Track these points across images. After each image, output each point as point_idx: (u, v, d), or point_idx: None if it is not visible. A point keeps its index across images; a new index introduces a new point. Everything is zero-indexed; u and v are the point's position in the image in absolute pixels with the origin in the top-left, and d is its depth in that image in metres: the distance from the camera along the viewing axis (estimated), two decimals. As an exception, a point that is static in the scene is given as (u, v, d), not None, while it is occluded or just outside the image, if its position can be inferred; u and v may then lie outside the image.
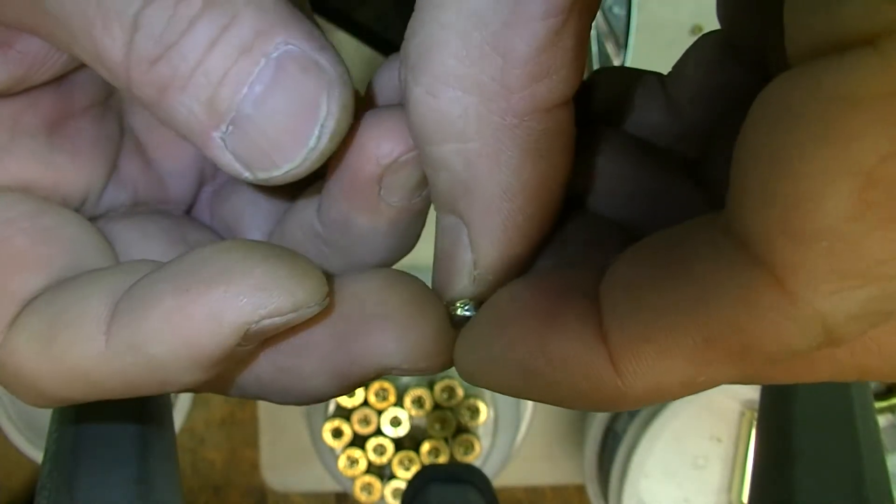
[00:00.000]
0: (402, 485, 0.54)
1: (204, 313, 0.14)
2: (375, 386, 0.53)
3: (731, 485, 0.55)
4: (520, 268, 0.16)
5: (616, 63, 0.47)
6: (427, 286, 0.17)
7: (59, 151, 0.17)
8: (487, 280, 0.16)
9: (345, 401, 0.53)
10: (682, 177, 0.18)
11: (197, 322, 0.14)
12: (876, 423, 0.30)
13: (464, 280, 0.16)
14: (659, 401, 0.13)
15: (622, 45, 0.47)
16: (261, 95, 0.14)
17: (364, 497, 0.54)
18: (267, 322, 0.14)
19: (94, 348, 0.14)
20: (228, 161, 0.15)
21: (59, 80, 0.17)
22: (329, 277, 0.15)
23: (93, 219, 0.18)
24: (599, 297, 0.13)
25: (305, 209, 0.18)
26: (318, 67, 0.14)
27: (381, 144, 0.16)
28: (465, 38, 0.13)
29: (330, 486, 0.62)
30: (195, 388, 0.16)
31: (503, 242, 0.15)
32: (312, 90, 0.14)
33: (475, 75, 0.14)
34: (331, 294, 0.15)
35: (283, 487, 0.64)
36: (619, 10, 0.46)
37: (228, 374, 0.16)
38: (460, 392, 0.53)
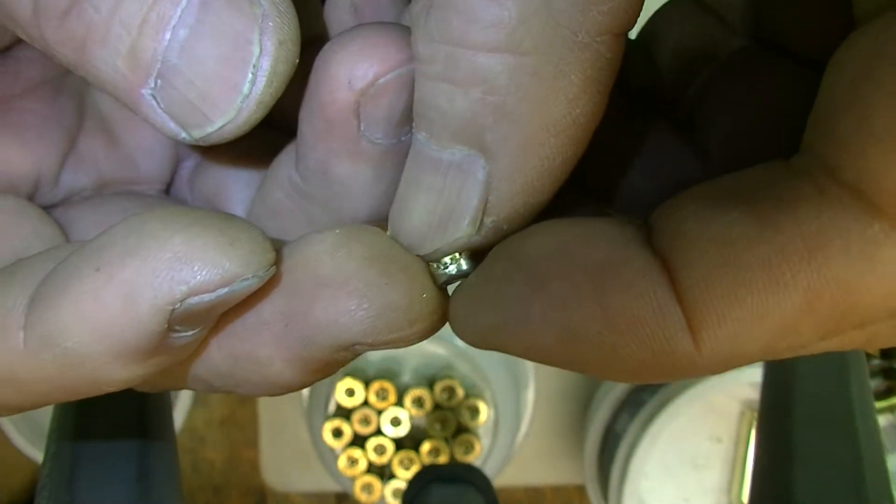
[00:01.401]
0: (402, 485, 0.54)
1: (116, 296, 0.12)
2: (375, 386, 0.53)
3: (731, 485, 0.55)
4: (533, 219, 0.14)
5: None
6: (394, 242, 0.14)
7: (4, 133, 0.16)
8: (501, 229, 0.13)
9: (345, 401, 0.53)
10: (669, 133, 0.17)
11: (109, 307, 0.12)
12: (876, 423, 0.30)
13: (464, 227, 0.13)
14: (725, 370, 0.12)
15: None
16: (186, 40, 0.12)
17: (364, 497, 0.54)
18: (194, 301, 0.12)
19: (13, 347, 0.12)
20: (163, 121, 0.13)
21: (2, 56, 0.16)
22: (280, 244, 0.13)
23: (51, 206, 0.17)
24: (662, 251, 0.12)
25: (284, 165, 0.16)
26: (249, 0, 0.12)
27: (353, 65, 0.13)
28: None
29: (330, 486, 0.62)
30: (140, 385, 0.14)
31: (536, 186, 0.13)
32: (242, 26, 0.12)
33: None
34: (278, 261, 0.13)
35: (283, 487, 0.64)
36: None
37: (179, 367, 0.14)
38: (460, 392, 0.53)
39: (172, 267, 0.11)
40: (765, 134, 0.15)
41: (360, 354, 0.14)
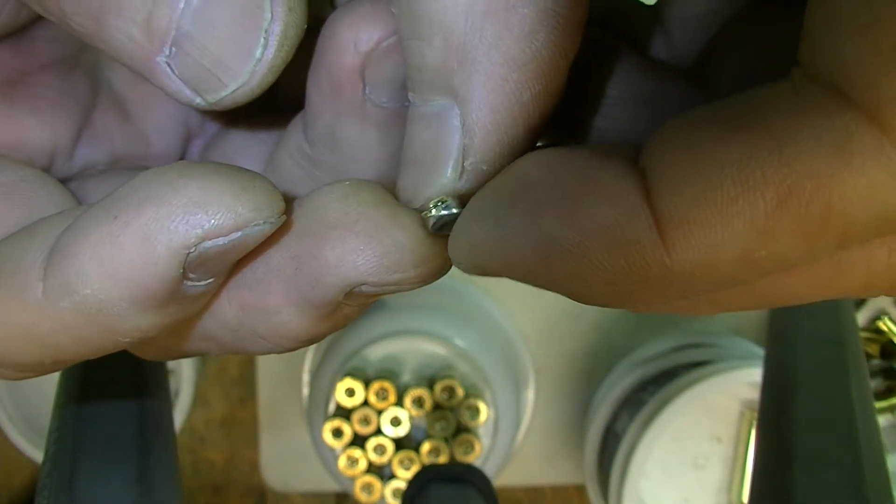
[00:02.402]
0: (402, 485, 0.54)
1: (134, 240, 0.12)
2: (375, 386, 0.53)
3: (731, 485, 0.55)
4: (513, 159, 0.14)
5: None
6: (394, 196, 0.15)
7: (20, 107, 0.16)
8: (481, 170, 0.14)
9: (345, 401, 0.53)
10: (681, 82, 0.17)
11: (127, 252, 0.12)
12: (876, 423, 0.30)
13: (447, 173, 0.14)
14: (706, 286, 0.11)
15: None
16: (199, 7, 0.13)
17: (364, 497, 0.54)
18: (209, 245, 0.12)
19: (32, 298, 0.13)
20: (178, 88, 0.14)
21: (17, 35, 0.16)
22: (290, 196, 0.14)
23: (67, 179, 0.17)
24: (641, 160, 0.11)
25: (293, 135, 0.17)
26: None
27: (358, 29, 0.14)
28: None
29: (330, 486, 0.62)
30: (151, 346, 0.14)
31: (506, 123, 0.13)
32: None
33: None
34: (288, 212, 0.13)
35: (283, 487, 0.64)
36: None
37: (188, 323, 0.14)
38: (460, 392, 0.53)
39: (188, 211, 0.12)
40: (775, 69, 0.15)
41: (363, 305, 0.14)
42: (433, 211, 0.14)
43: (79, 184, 0.17)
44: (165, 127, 0.18)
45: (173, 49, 0.13)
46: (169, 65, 0.13)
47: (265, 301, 0.14)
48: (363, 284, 0.13)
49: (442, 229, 0.14)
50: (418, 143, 0.14)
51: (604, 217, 0.11)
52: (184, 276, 0.12)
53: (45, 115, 0.16)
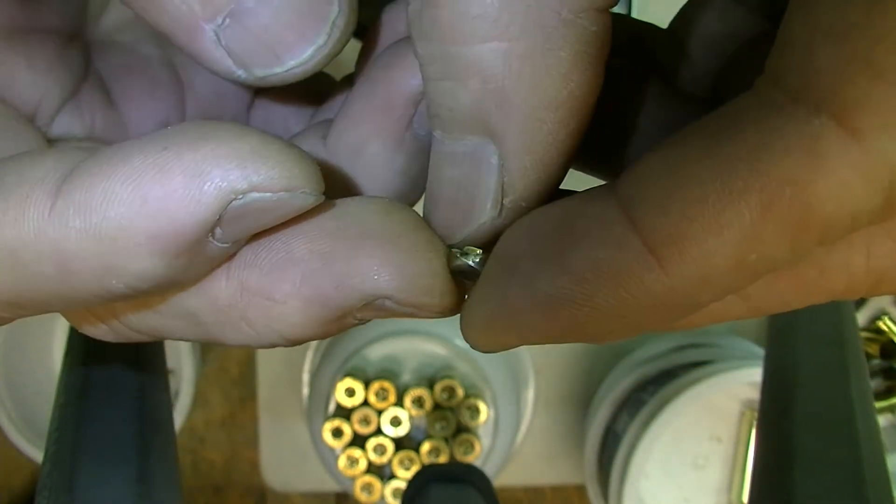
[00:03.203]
0: (402, 485, 0.54)
1: (182, 172, 0.11)
2: (375, 386, 0.53)
3: (731, 485, 0.55)
4: (551, 194, 0.14)
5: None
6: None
7: (17, 56, 0.16)
8: (520, 207, 0.14)
9: (345, 401, 0.53)
10: (705, 109, 0.17)
11: (173, 182, 0.11)
12: (876, 423, 0.30)
13: (487, 211, 0.14)
14: (707, 297, 0.11)
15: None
16: None
17: (364, 497, 0.54)
18: (255, 197, 0.12)
19: (34, 214, 0.12)
20: (219, 57, 0.14)
21: None
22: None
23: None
24: (620, 191, 0.12)
25: (307, 138, 0.17)
26: None
27: None
28: None
29: (330, 486, 0.62)
30: (142, 292, 0.13)
31: (544, 161, 0.13)
32: None
33: None
34: (327, 200, 0.13)
35: (283, 487, 0.64)
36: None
37: (168, 299, 0.14)
38: (460, 392, 0.53)
39: (247, 157, 0.12)
40: None
41: (365, 321, 0.14)
42: (462, 258, 0.14)
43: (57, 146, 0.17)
44: (145, 122, 0.18)
45: (227, 20, 0.13)
46: (217, 34, 0.13)
47: (274, 287, 0.13)
48: (387, 299, 0.13)
49: (459, 275, 0.14)
50: (449, 181, 0.14)
51: (595, 258, 0.11)
52: (217, 224, 0.12)
53: (39, 71, 0.16)
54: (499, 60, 0.12)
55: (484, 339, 0.13)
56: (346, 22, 0.14)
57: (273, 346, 0.14)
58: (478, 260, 0.14)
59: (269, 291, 0.13)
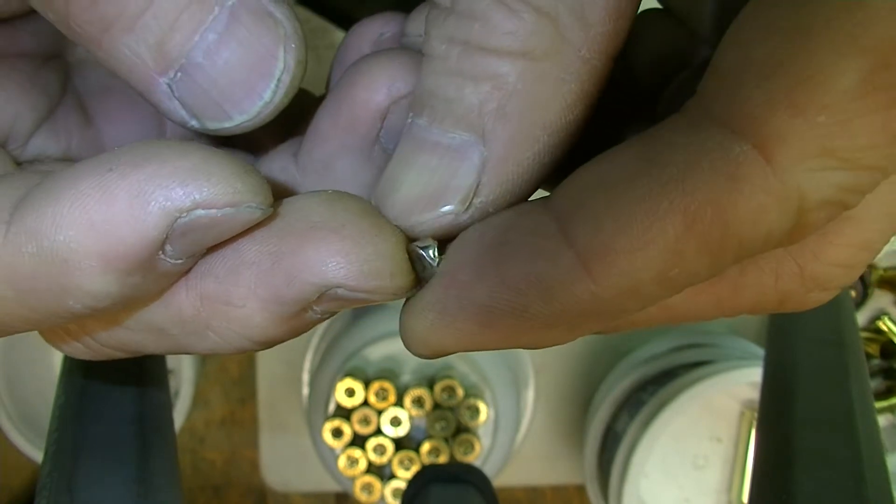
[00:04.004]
0: (402, 485, 0.54)
1: (127, 194, 0.12)
2: (375, 386, 0.53)
3: (731, 485, 0.55)
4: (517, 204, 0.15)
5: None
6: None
7: None
8: (486, 210, 0.14)
9: (345, 401, 0.53)
10: (639, 124, 0.18)
11: (118, 204, 0.12)
12: (876, 423, 0.30)
13: (455, 204, 0.14)
14: (632, 306, 0.12)
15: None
16: (214, 44, 0.14)
17: (364, 497, 0.54)
18: (200, 214, 0.12)
19: None
20: (174, 108, 0.14)
21: (2, 21, 0.16)
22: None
23: (16, 163, 0.17)
24: (552, 205, 0.13)
25: (278, 156, 0.17)
26: (274, 20, 0.14)
27: (394, 75, 0.15)
28: None
29: (330, 486, 0.62)
30: (104, 311, 0.13)
31: (524, 177, 0.14)
32: (269, 43, 0.14)
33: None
34: (276, 209, 0.14)
35: (283, 487, 0.64)
36: None
37: (130, 310, 0.14)
38: (460, 392, 0.53)
39: (189, 175, 0.12)
40: None
41: (326, 313, 0.14)
42: (418, 246, 0.14)
43: (26, 169, 0.17)
44: (124, 142, 0.18)
45: (179, 74, 0.14)
46: (170, 86, 0.14)
47: (231, 293, 0.14)
48: (339, 287, 0.14)
49: (416, 263, 0.14)
50: (423, 167, 0.14)
51: (530, 270, 0.12)
52: (164, 242, 0.12)
53: (12, 94, 0.16)
54: (515, 74, 0.13)
55: (422, 346, 0.14)
56: (291, 77, 0.14)
57: (242, 350, 0.15)
58: (431, 252, 0.14)
59: (228, 297, 0.14)
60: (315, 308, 0.14)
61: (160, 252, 0.12)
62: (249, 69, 0.14)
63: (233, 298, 0.14)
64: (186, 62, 0.14)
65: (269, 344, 0.15)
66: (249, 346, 0.15)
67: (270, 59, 0.14)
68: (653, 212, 0.11)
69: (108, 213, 0.12)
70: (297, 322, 0.14)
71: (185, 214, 0.12)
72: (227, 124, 0.14)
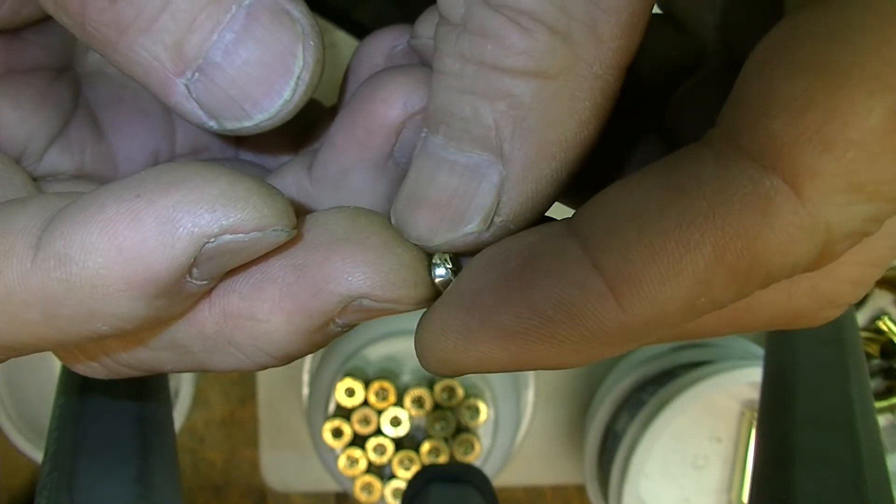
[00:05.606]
0: (402, 485, 0.54)
1: (155, 220, 0.12)
2: (375, 386, 0.53)
3: (731, 485, 0.55)
4: (537, 221, 0.15)
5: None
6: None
7: (3, 98, 0.16)
8: (507, 228, 0.15)
9: (345, 401, 0.53)
10: (656, 143, 0.18)
11: (145, 230, 0.12)
12: (876, 423, 0.30)
13: (476, 223, 0.14)
14: (657, 332, 0.13)
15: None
16: (231, 44, 0.14)
17: (364, 497, 0.54)
18: (228, 239, 0.12)
19: (17, 265, 0.12)
20: (192, 109, 0.14)
21: (11, 34, 0.16)
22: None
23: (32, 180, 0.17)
24: (576, 230, 0.13)
25: (292, 169, 0.17)
26: (291, 18, 0.14)
27: (410, 90, 0.15)
28: None
29: (330, 486, 0.62)
30: (128, 332, 0.14)
31: (545, 192, 0.14)
32: (287, 41, 0.14)
33: (568, 17, 0.13)
34: (299, 226, 0.14)
35: (283, 487, 0.64)
36: None
37: (155, 329, 0.14)
38: (460, 392, 0.53)
39: (216, 201, 0.12)
40: None
41: (349, 326, 0.15)
42: (437, 262, 0.15)
43: (41, 186, 0.17)
44: (135, 154, 0.19)
45: (196, 74, 0.14)
46: (188, 87, 0.14)
47: (255, 308, 0.14)
48: (364, 298, 0.14)
49: (432, 274, 0.15)
50: (442, 186, 0.14)
51: (560, 296, 0.12)
52: (192, 266, 0.12)
53: (26, 112, 0.16)
54: (530, 93, 0.13)
55: (441, 366, 0.14)
56: (311, 74, 0.14)
57: (262, 367, 0.15)
58: (449, 266, 0.15)
59: (252, 312, 0.14)
60: (337, 321, 0.14)
61: (187, 275, 0.12)
62: (269, 67, 0.14)
63: (257, 313, 0.14)
64: (204, 62, 0.14)
65: (290, 359, 0.15)
66: (270, 363, 0.14)
67: (289, 57, 0.14)
68: (684, 243, 0.12)
69: (137, 240, 0.12)
70: (319, 335, 0.14)
71: (212, 240, 0.12)
72: (246, 124, 0.14)
